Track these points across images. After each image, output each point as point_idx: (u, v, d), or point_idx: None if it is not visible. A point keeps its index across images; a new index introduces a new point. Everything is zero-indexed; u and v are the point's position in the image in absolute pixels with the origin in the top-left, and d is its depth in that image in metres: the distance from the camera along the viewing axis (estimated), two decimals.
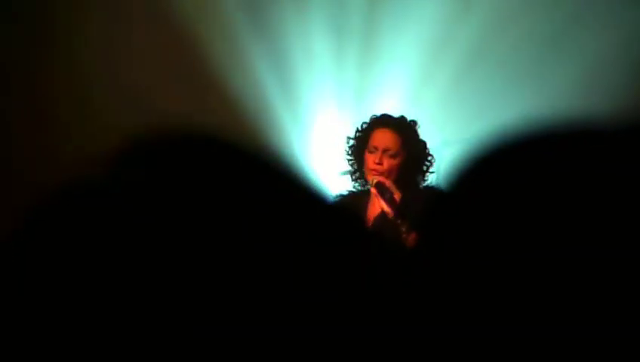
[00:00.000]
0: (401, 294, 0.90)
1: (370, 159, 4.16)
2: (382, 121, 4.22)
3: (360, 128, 4.27)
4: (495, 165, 0.97)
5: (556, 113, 1.01)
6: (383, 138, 4.17)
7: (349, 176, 4.33)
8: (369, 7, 5.35)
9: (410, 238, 3.85)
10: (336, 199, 4.19)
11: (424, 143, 4.25)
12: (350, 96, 5.36)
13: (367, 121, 4.28)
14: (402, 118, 4.25)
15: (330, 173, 4.62)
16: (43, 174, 4.61)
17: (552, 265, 0.88)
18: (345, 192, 4.30)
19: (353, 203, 4.18)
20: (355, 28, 5.37)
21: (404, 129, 4.20)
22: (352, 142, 4.29)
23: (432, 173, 4.24)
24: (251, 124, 5.16)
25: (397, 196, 4.07)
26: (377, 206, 4.14)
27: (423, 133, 4.30)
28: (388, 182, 4.09)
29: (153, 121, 4.58)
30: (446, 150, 4.76)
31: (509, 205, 0.94)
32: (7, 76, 5.25)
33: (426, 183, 4.25)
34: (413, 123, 4.25)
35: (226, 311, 0.82)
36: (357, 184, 4.29)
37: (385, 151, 4.14)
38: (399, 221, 3.99)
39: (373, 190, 4.12)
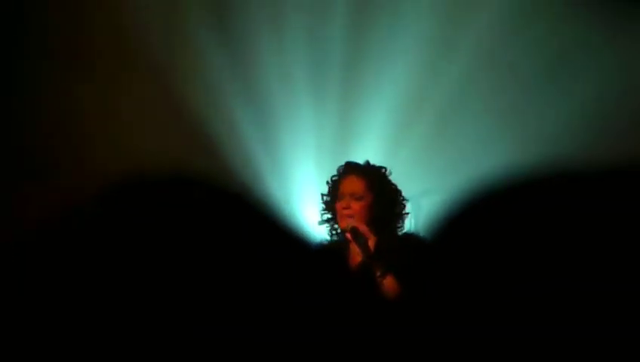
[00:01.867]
0: (381, 337, 0.93)
1: (339, 206, 4.27)
2: (346, 170, 4.36)
3: (330, 182, 4.37)
4: (475, 214, 1.00)
5: (535, 161, 1.04)
6: (349, 184, 4.29)
7: (326, 227, 4.39)
8: (350, 53, 5.41)
9: (386, 282, 3.88)
10: (318, 245, 4.28)
11: (394, 186, 4.33)
12: (329, 145, 5.41)
13: (335, 174, 4.38)
14: (367, 163, 4.34)
15: (309, 222, 4.68)
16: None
17: (530, 310, 0.90)
18: (326, 241, 4.36)
19: (334, 249, 4.27)
20: (335, 76, 5.43)
21: (367, 173, 4.32)
22: (325, 197, 4.38)
23: (407, 214, 4.29)
24: (231, 171, 5.19)
25: (371, 241, 4.13)
26: (355, 251, 4.20)
27: (403, 183, 4.34)
28: (362, 227, 4.17)
29: (136, 164, 4.62)
30: (425, 199, 4.80)
31: (489, 253, 0.97)
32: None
33: (403, 230, 4.29)
34: (381, 168, 4.34)
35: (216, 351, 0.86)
36: (334, 235, 4.35)
37: (351, 195, 4.26)
38: (374, 265, 4.04)
39: (348, 235, 4.19)
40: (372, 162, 4.42)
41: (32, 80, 5.34)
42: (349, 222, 4.20)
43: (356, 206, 4.23)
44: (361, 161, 4.43)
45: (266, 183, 5.25)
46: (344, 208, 4.24)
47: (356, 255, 4.21)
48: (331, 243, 4.35)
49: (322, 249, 4.30)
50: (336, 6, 5.40)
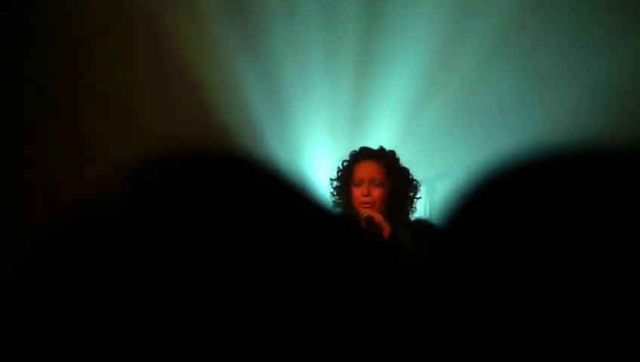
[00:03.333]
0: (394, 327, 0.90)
1: (358, 192, 4.17)
2: (363, 154, 4.25)
3: (341, 166, 4.30)
4: (486, 198, 0.96)
5: (546, 144, 1.00)
6: (368, 169, 4.19)
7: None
8: (363, 41, 5.38)
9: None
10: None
11: (407, 170, 4.27)
12: (343, 125, 5.38)
13: (347, 158, 4.31)
14: (381, 148, 4.29)
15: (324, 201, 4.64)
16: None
17: (545, 297, 0.87)
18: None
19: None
20: (349, 61, 5.40)
21: (385, 158, 4.23)
22: (335, 181, 4.31)
23: (418, 199, 4.25)
24: (244, 150, 5.16)
25: (386, 230, 4.07)
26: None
27: (417, 165, 4.31)
28: (378, 217, 4.10)
29: (147, 148, 4.59)
30: (438, 183, 4.76)
31: (501, 239, 0.93)
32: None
33: (415, 215, 4.26)
34: (392, 152, 4.29)
35: (229, 318, 0.84)
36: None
37: (371, 181, 4.16)
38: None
39: (362, 223, 4.11)
40: (386, 145, 4.38)
41: (35, 74, 5.30)
42: (365, 211, 4.14)
43: (376, 192, 4.13)
44: (372, 144, 4.38)
45: (277, 161, 5.22)
46: (364, 195, 4.14)
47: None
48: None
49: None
50: None
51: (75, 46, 5.27)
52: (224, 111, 5.34)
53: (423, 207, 4.44)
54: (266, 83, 5.38)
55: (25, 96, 5.25)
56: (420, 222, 4.19)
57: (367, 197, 4.14)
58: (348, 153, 4.38)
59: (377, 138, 4.78)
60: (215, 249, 0.87)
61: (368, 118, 5.38)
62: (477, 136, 5.14)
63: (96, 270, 0.87)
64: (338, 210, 4.30)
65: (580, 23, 5.15)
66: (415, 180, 4.26)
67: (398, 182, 4.20)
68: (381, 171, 4.18)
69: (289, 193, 0.96)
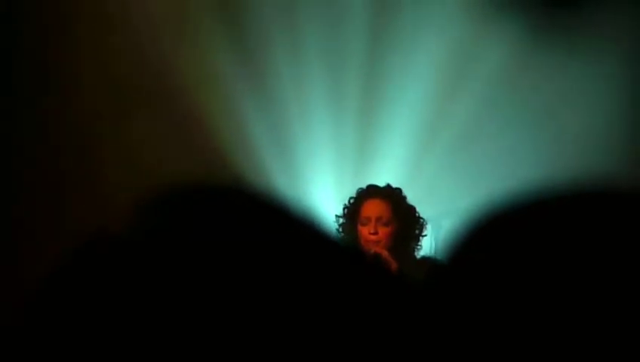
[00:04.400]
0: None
1: (365, 230, 4.16)
2: (370, 192, 4.25)
3: (348, 204, 4.29)
4: (491, 235, 0.97)
5: (551, 181, 1.01)
6: (375, 208, 4.19)
7: None
8: (368, 78, 5.39)
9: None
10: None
11: (413, 208, 4.27)
12: (348, 167, 5.38)
13: (354, 195, 4.30)
14: (388, 186, 4.29)
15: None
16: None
17: (549, 333, 0.88)
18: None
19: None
20: (353, 98, 5.40)
21: (392, 196, 4.23)
22: (341, 219, 4.30)
23: (424, 236, 4.25)
24: (246, 182, 5.13)
25: (393, 266, 4.07)
26: None
27: (424, 203, 4.31)
28: (385, 253, 4.09)
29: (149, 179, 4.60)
30: (444, 221, 4.76)
31: (507, 274, 0.94)
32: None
33: (421, 252, 4.25)
34: (399, 190, 4.28)
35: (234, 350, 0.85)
36: None
37: (378, 220, 4.16)
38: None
39: (370, 261, 4.10)
40: (391, 182, 4.38)
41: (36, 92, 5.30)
42: (372, 248, 4.12)
43: (383, 231, 4.13)
44: (378, 181, 4.38)
45: (281, 196, 5.19)
46: (371, 233, 4.14)
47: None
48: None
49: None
50: (354, 18, 5.37)
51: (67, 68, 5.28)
52: (227, 148, 5.33)
53: (428, 245, 4.44)
54: (270, 121, 5.39)
55: (24, 133, 5.25)
56: (425, 259, 4.18)
57: (374, 236, 4.14)
58: (352, 191, 4.38)
59: (382, 176, 4.78)
60: (220, 283, 0.88)
61: (373, 156, 5.37)
62: (483, 174, 5.13)
63: (97, 300, 0.88)
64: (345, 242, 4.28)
65: (580, 65, 5.18)
66: (422, 218, 4.26)
67: (404, 220, 4.20)
68: (388, 210, 4.18)
69: (296, 226, 0.97)
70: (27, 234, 5.02)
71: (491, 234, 0.98)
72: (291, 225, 0.96)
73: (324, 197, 5.26)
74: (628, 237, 0.92)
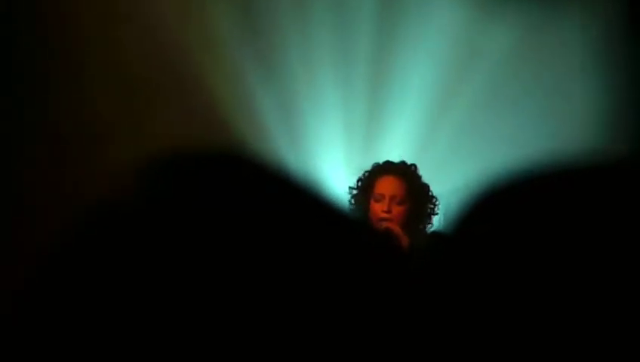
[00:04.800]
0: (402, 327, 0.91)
1: (377, 207, 4.16)
2: (385, 169, 4.24)
3: (362, 177, 4.27)
4: (497, 210, 0.98)
5: (561, 157, 1.01)
6: (389, 185, 4.18)
7: None
8: (376, 54, 5.39)
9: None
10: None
11: (427, 186, 4.27)
12: (358, 142, 5.38)
13: (369, 169, 4.28)
14: (404, 163, 4.27)
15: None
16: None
17: (553, 307, 0.88)
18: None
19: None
20: (362, 74, 5.41)
21: (408, 175, 4.22)
22: (354, 191, 4.29)
23: (436, 214, 4.25)
24: (254, 155, 5.14)
25: (404, 242, 4.07)
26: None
27: (431, 180, 4.31)
28: (396, 229, 4.09)
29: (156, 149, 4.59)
30: (453, 196, 4.76)
31: (513, 250, 0.94)
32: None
33: (432, 228, 4.26)
34: (414, 167, 4.26)
35: (237, 324, 0.85)
36: None
37: (392, 198, 4.15)
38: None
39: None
40: (401, 157, 4.37)
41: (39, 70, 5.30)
42: (383, 223, 4.13)
43: (397, 210, 4.13)
44: (387, 157, 4.37)
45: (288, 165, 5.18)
46: (384, 211, 4.13)
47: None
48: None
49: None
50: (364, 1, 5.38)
51: (76, 45, 5.28)
52: (233, 120, 5.34)
53: (437, 221, 4.45)
54: (278, 92, 5.39)
55: (27, 95, 5.25)
56: (436, 234, 4.19)
57: (387, 214, 4.13)
58: (361, 165, 4.38)
59: (391, 151, 4.78)
60: (226, 253, 0.88)
61: (382, 130, 5.38)
62: (492, 148, 5.14)
63: (104, 269, 0.88)
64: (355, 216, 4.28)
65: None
66: (435, 197, 4.26)
67: (418, 199, 4.19)
68: (403, 188, 4.17)
69: (305, 196, 0.97)
70: (29, 209, 5.03)
71: (493, 208, 0.99)
72: (298, 195, 0.96)
73: (333, 171, 5.28)
74: (629, 211, 0.92)
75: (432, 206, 4.26)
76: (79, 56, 5.29)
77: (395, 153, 4.60)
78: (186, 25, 5.37)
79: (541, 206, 0.96)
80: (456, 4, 5.27)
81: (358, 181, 4.30)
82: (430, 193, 4.26)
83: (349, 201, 4.30)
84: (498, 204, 0.98)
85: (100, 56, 5.30)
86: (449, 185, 4.81)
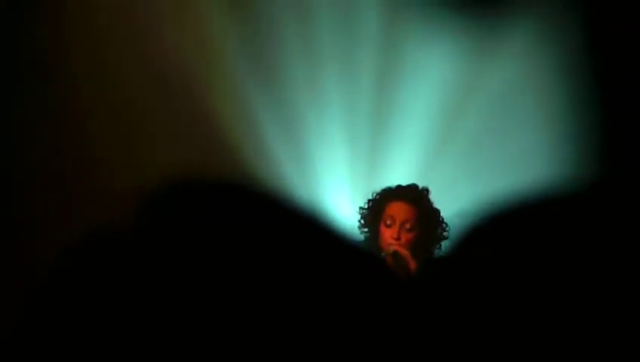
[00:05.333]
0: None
1: (387, 233, 4.14)
2: (397, 193, 4.21)
3: (373, 199, 4.26)
4: (491, 233, 0.99)
5: (569, 181, 1.02)
6: (400, 211, 4.16)
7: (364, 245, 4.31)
8: (380, 80, 5.41)
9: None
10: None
11: (438, 212, 4.25)
12: (362, 166, 5.39)
13: (379, 191, 4.27)
14: (415, 187, 4.25)
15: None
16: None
17: (553, 327, 0.89)
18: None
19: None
20: (366, 98, 5.42)
21: (419, 200, 4.19)
22: (365, 212, 4.27)
23: (446, 239, 4.24)
24: (259, 181, 5.12)
25: (412, 266, 4.05)
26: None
27: (438, 202, 4.31)
28: (404, 252, 4.06)
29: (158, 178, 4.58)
30: (458, 220, 4.76)
31: (510, 274, 0.95)
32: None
33: (440, 252, 4.25)
34: (426, 191, 4.25)
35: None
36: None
37: (402, 224, 4.13)
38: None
39: (389, 259, 4.09)
40: (405, 181, 4.36)
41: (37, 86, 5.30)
42: (392, 247, 4.09)
43: (406, 237, 4.11)
44: (391, 181, 4.36)
45: (295, 196, 5.17)
46: (394, 238, 4.10)
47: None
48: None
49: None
50: (368, 20, 5.39)
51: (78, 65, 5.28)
52: (237, 145, 5.35)
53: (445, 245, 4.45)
54: (282, 118, 5.41)
55: (23, 120, 5.25)
56: (443, 259, 4.18)
57: (397, 241, 4.10)
58: (365, 190, 4.37)
59: (397, 173, 4.78)
60: (227, 280, 0.89)
61: (386, 156, 5.39)
62: (494, 174, 5.16)
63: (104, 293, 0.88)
64: (362, 242, 4.28)
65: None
66: (445, 223, 4.25)
67: (429, 226, 4.17)
68: (414, 214, 4.15)
69: (313, 226, 0.98)
70: (28, 233, 5.02)
71: (491, 233, 1.00)
72: (303, 224, 0.97)
73: (338, 194, 5.28)
74: (622, 237, 0.93)
75: (441, 231, 4.24)
76: (74, 80, 5.30)
77: (398, 177, 4.60)
78: (186, 45, 5.38)
79: (533, 229, 0.97)
80: (458, 37, 5.29)
81: (368, 202, 4.28)
82: (441, 218, 4.25)
83: (359, 222, 4.29)
84: (492, 228, 0.99)
85: (96, 79, 5.31)
86: (453, 208, 4.83)
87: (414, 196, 4.20)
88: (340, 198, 5.23)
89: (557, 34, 5.23)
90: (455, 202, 4.95)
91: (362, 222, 4.29)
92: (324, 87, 5.41)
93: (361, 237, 4.27)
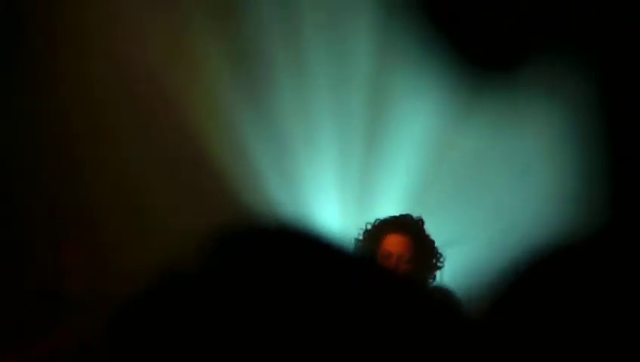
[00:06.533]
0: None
1: (385, 264, 4.12)
2: (394, 226, 4.20)
3: (369, 231, 4.25)
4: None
5: (558, 217, 1.06)
6: (397, 245, 4.16)
7: None
8: (372, 113, 5.42)
9: None
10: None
11: (433, 242, 4.24)
12: (353, 198, 5.39)
13: (375, 223, 4.25)
14: (410, 218, 4.24)
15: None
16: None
17: None
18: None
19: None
20: (358, 132, 5.43)
21: (415, 232, 4.19)
22: (360, 244, 4.26)
23: (440, 268, 4.24)
24: (250, 215, 5.13)
25: None
26: None
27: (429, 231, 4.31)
28: None
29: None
30: (448, 250, 4.78)
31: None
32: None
33: (434, 282, 4.25)
34: (421, 222, 4.24)
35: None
36: None
37: (399, 257, 4.13)
38: None
39: None
40: (397, 211, 4.34)
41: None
42: None
43: (403, 267, 4.11)
44: (381, 212, 4.34)
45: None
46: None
47: None
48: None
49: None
50: (359, 52, 5.42)
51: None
52: (230, 180, 5.35)
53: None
54: (274, 151, 5.42)
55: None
56: (438, 289, 4.18)
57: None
58: (356, 221, 4.35)
59: (388, 204, 4.79)
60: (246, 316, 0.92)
61: (377, 187, 5.40)
62: (488, 204, 5.18)
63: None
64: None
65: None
66: (440, 253, 4.24)
67: (425, 258, 4.16)
68: (411, 247, 4.14)
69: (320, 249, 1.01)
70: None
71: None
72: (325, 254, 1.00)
73: (328, 225, 5.27)
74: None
75: (436, 261, 4.23)
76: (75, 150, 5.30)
77: (390, 205, 4.60)
78: (178, 76, 5.39)
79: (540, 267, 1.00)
80: (444, 85, 5.35)
81: (364, 233, 4.28)
82: (435, 249, 4.24)
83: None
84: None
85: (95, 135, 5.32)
86: (442, 237, 4.85)
87: (411, 229, 4.19)
88: (330, 228, 5.22)
89: (526, 98, 5.31)
90: (445, 230, 4.98)
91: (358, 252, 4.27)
92: (317, 117, 5.42)
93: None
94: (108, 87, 5.29)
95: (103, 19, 5.30)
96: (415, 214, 4.34)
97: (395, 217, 4.25)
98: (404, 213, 4.34)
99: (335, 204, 5.41)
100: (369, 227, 4.29)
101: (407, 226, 4.20)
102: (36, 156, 5.28)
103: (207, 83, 5.44)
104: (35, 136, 5.27)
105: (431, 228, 4.47)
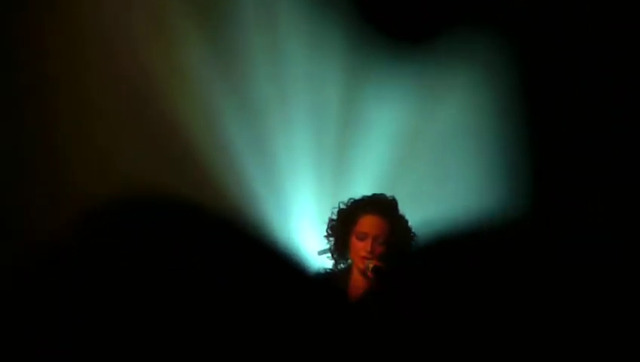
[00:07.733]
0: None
1: (360, 246, 4.15)
2: (370, 207, 4.20)
3: (343, 210, 4.26)
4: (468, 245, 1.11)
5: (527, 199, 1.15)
6: (373, 226, 4.17)
7: (328, 254, 4.33)
8: (348, 91, 5.48)
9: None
10: (319, 274, 4.19)
11: (406, 221, 4.26)
12: (328, 174, 5.44)
13: (349, 202, 4.27)
14: (385, 198, 4.25)
15: (308, 252, 4.62)
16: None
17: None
18: (324, 270, 4.28)
19: (335, 280, 4.20)
20: (334, 107, 5.48)
21: (390, 214, 4.20)
22: (334, 224, 4.29)
23: (412, 246, 4.27)
24: (233, 205, 5.19)
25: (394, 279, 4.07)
26: (359, 283, 4.17)
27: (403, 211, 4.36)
28: (382, 266, 4.07)
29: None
30: (422, 229, 4.87)
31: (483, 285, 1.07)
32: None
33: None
34: (395, 201, 4.26)
35: None
36: (338, 263, 4.29)
37: (375, 238, 4.15)
38: (377, 300, 4.00)
39: (369, 274, 4.09)
40: (371, 190, 4.36)
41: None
42: (370, 261, 4.10)
43: (379, 249, 4.13)
44: (356, 192, 4.36)
45: (262, 212, 5.22)
46: (368, 251, 4.11)
47: (357, 286, 4.20)
48: (331, 272, 4.28)
49: (321, 278, 4.21)
50: (335, 48, 5.48)
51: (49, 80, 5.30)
52: (206, 160, 5.38)
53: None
54: (250, 131, 5.45)
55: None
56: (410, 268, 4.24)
57: (370, 254, 4.12)
58: (331, 201, 4.39)
59: (363, 184, 4.84)
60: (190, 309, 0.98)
61: (353, 166, 5.45)
62: (459, 185, 5.24)
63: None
64: (331, 251, 4.27)
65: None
66: (413, 232, 4.28)
67: (400, 238, 4.19)
68: (386, 228, 4.17)
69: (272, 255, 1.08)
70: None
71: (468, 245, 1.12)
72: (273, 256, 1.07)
73: (304, 208, 5.33)
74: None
75: (410, 241, 4.27)
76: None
77: (365, 184, 4.64)
78: (162, 72, 5.42)
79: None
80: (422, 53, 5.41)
81: (338, 213, 4.28)
82: (409, 228, 4.26)
83: (326, 231, 4.29)
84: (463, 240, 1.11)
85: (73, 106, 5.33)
86: (416, 218, 4.94)
87: (386, 209, 4.20)
88: (306, 209, 5.28)
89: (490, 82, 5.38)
90: (421, 211, 5.06)
91: (330, 232, 4.30)
92: (293, 99, 5.47)
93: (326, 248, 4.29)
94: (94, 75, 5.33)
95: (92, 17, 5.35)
96: (394, 188, 4.40)
97: (369, 197, 4.26)
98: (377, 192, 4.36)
99: (311, 184, 5.45)
100: (343, 206, 4.30)
101: (383, 207, 4.21)
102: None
103: (183, 60, 5.47)
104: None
105: (407, 206, 4.53)
